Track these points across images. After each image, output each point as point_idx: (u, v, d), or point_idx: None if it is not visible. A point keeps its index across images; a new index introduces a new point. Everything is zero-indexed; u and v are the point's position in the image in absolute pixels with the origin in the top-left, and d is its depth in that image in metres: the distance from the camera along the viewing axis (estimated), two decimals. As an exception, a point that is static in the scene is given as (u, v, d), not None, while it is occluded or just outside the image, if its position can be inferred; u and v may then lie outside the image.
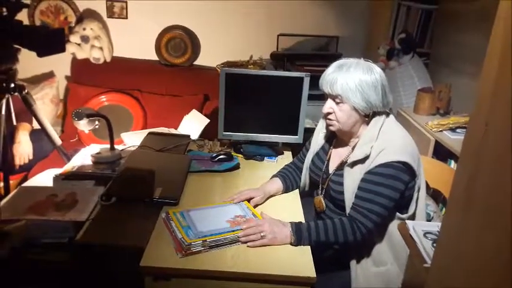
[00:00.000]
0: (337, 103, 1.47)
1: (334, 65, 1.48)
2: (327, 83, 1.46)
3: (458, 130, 2.34)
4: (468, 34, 2.67)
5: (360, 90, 1.41)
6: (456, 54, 2.81)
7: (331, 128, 1.54)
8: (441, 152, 2.33)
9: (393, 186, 1.39)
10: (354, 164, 1.47)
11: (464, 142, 0.72)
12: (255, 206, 1.58)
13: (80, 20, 3.19)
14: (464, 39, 2.71)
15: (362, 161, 1.44)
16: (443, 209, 2.03)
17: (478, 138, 0.65)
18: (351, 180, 1.47)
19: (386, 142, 1.42)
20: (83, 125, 1.93)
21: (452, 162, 2.25)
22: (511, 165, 0.61)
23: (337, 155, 1.62)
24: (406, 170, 1.39)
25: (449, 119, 2.40)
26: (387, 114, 1.50)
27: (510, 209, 0.62)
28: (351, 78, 1.41)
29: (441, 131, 2.35)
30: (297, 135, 2.06)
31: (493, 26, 0.64)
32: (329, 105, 1.50)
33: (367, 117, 1.48)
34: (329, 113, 1.50)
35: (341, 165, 1.56)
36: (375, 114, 1.48)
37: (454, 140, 2.24)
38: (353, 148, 1.53)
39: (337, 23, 3.37)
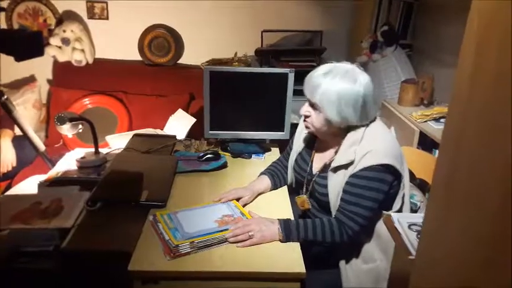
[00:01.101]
0: (314, 109, 1.47)
1: (322, 68, 1.45)
2: (308, 86, 1.45)
3: (442, 120, 2.35)
4: (449, 25, 2.69)
5: (337, 105, 1.39)
6: (438, 45, 2.83)
7: (307, 130, 1.55)
8: (426, 143, 2.35)
9: (378, 189, 1.39)
10: (338, 168, 1.46)
11: (443, 134, 0.72)
12: (244, 205, 1.57)
13: (59, 22, 3.14)
14: (446, 30, 2.74)
15: (346, 165, 1.44)
16: (430, 199, 2.05)
17: (456, 130, 0.65)
18: (335, 184, 1.47)
19: (370, 145, 1.41)
20: (66, 130, 1.91)
21: (437, 152, 2.27)
22: (489, 154, 0.62)
23: (320, 157, 1.62)
24: (390, 171, 1.40)
25: (433, 109, 2.42)
26: (371, 121, 1.48)
27: (490, 197, 0.62)
28: (332, 90, 1.39)
29: (425, 121, 2.37)
30: (283, 131, 2.06)
31: (468, 18, 0.64)
32: (307, 109, 1.49)
33: (340, 129, 1.47)
34: (306, 116, 1.50)
35: (324, 168, 1.55)
36: (350, 127, 1.46)
37: (438, 130, 2.25)
38: (336, 151, 1.52)
39: (321, 17, 3.37)
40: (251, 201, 1.61)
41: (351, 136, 1.46)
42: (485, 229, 0.62)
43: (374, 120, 1.50)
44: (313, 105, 1.47)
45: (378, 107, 1.50)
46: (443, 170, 0.72)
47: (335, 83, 1.39)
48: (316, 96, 1.42)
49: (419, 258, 0.77)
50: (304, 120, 1.53)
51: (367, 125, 1.47)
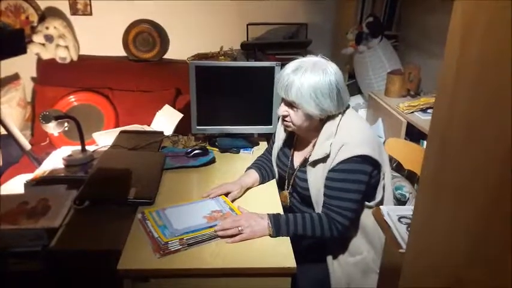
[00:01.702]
0: (292, 107, 1.46)
1: (290, 66, 1.45)
2: (282, 86, 1.43)
3: (429, 111, 2.37)
4: (434, 15, 2.71)
5: (314, 99, 1.39)
6: (423, 35, 2.85)
7: (288, 129, 1.56)
8: (413, 133, 2.37)
9: (359, 180, 1.40)
10: (316, 162, 1.47)
11: (430, 127, 0.72)
12: (233, 200, 1.57)
13: (42, 18, 3.08)
14: (431, 20, 2.75)
15: (323, 159, 1.45)
16: (418, 189, 2.07)
17: (443, 122, 0.66)
18: (315, 178, 1.48)
19: (345, 137, 1.42)
20: (52, 128, 1.88)
21: (425, 142, 2.29)
22: (476, 147, 0.62)
23: (300, 152, 1.63)
24: (368, 161, 1.40)
25: (420, 100, 2.43)
26: (345, 109, 1.49)
27: (477, 190, 0.63)
28: (306, 86, 1.39)
29: (412, 112, 2.38)
30: (271, 125, 2.05)
31: (452, 9, 0.64)
32: (284, 109, 1.49)
33: (321, 120, 1.48)
34: (285, 116, 1.50)
35: (304, 162, 1.56)
36: (330, 117, 1.47)
37: (425, 121, 2.27)
38: (314, 145, 1.52)
39: (306, 10, 3.36)
40: (240, 196, 1.61)
41: (326, 129, 1.47)
42: (472, 222, 0.63)
43: (348, 107, 1.51)
44: (290, 104, 1.46)
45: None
46: (431, 163, 0.72)
47: (307, 77, 1.39)
48: (291, 94, 1.41)
49: (409, 251, 0.78)
50: (284, 121, 1.52)
51: (343, 114, 1.48)
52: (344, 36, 3.04)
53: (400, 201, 1.91)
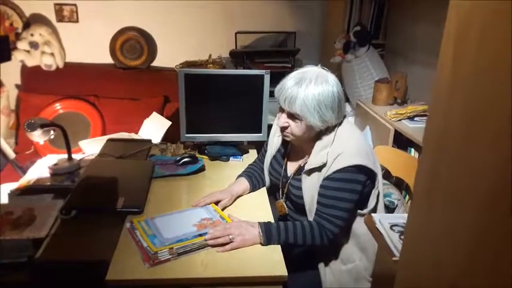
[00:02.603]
0: (294, 119, 1.45)
1: (292, 78, 1.43)
2: (285, 98, 1.42)
3: (416, 118, 2.40)
4: (420, 24, 2.75)
5: (318, 110, 1.39)
6: (410, 44, 2.89)
7: (287, 139, 1.54)
8: (401, 141, 2.39)
9: (352, 189, 1.40)
10: (311, 171, 1.47)
11: (425, 133, 0.72)
12: (223, 209, 1.56)
13: (27, 25, 3.04)
14: (417, 28, 2.79)
15: (319, 168, 1.45)
16: (407, 196, 2.08)
17: (438, 128, 0.66)
18: (309, 187, 1.48)
19: (341, 147, 1.42)
20: (37, 136, 1.85)
21: (412, 150, 2.31)
22: (472, 156, 0.62)
23: (294, 160, 1.63)
24: (363, 171, 1.41)
25: (407, 108, 2.45)
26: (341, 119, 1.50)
27: (472, 198, 0.63)
28: (310, 98, 1.38)
29: (400, 120, 2.40)
30: (261, 132, 2.05)
31: (447, 15, 0.65)
32: (285, 120, 1.47)
33: (321, 131, 1.48)
34: (285, 127, 1.49)
35: (299, 170, 1.56)
36: (328, 128, 1.47)
37: (413, 128, 2.29)
38: (309, 154, 1.52)
39: (294, 19, 3.39)
40: (230, 204, 1.60)
41: (324, 138, 1.47)
42: (468, 230, 0.63)
43: (344, 117, 1.52)
44: (291, 116, 1.45)
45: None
46: (426, 171, 0.72)
47: (311, 89, 1.39)
48: (295, 107, 1.40)
49: (404, 259, 0.77)
50: (283, 131, 1.51)
51: (339, 124, 1.48)
52: (332, 45, 3.06)
53: (389, 208, 1.91)
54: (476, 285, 0.61)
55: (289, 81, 1.43)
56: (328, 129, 1.47)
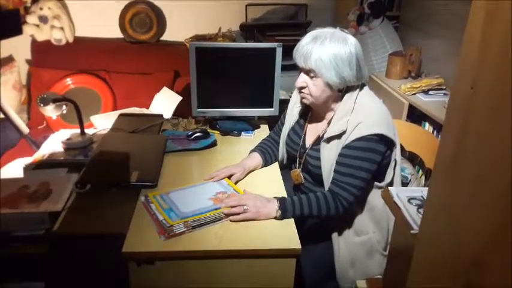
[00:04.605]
0: (311, 77, 1.44)
1: (308, 36, 1.43)
2: (300, 55, 1.42)
3: (431, 92, 2.36)
4: (436, -5, 2.67)
5: (334, 66, 1.38)
6: (424, 16, 2.81)
7: (305, 101, 1.52)
8: (415, 115, 2.36)
9: (371, 159, 1.39)
10: (331, 139, 1.46)
11: (448, 108, 0.70)
12: (236, 182, 1.56)
13: (35, -1, 3.01)
14: (432, 1, 2.71)
15: (338, 136, 1.44)
16: (420, 171, 2.07)
17: (464, 103, 0.64)
18: (328, 155, 1.46)
19: (361, 115, 1.41)
20: (50, 111, 1.85)
21: (427, 124, 2.29)
22: (498, 132, 0.60)
23: (313, 130, 1.61)
24: (383, 141, 1.40)
25: (422, 81, 2.41)
26: (361, 86, 1.48)
27: (498, 175, 0.61)
28: (325, 53, 1.37)
29: (414, 94, 2.37)
30: (272, 107, 2.03)
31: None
32: (302, 79, 1.46)
33: (340, 91, 1.46)
34: (302, 87, 1.47)
35: (317, 140, 1.55)
36: (349, 88, 1.46)
37: (427, 102, 2.26)
38: (328, 123, 1.51)
39: (306, -10, 3.31)
40: (243, 178, 1.60)
41: (343, 106, 1.46)
42: (492, 207, 0.62)
43: (364, 85, 1.50)
44: (308, 73, 1.44)
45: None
46: (449, 148, 0.69)
47: (326, 45, 1.38)
48: (311, 62, 1.39)
49: (424, 233, 0.76)
50: (301, 92, 1.50)
51: (360, 90, 1.47)
52: (345, 17, 3.00)
53: (402, 182, 1.90)
54: (501, 259, 0.60)
55: (305, 39, 1.42)
56: (349, 95, 1.46)
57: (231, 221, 1.32)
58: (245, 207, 1.33)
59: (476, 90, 0.60)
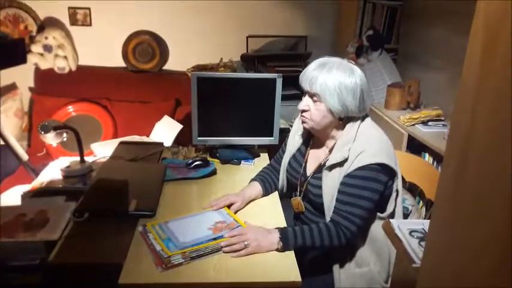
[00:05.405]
0: (314, 101, 1.46)
1: (316, 62, 1.47)
2: (306, 79, 1.45)
3: (430, 123, 2.37)
4: (433, 28, 2.72)
5: (338, 93, 1.40)
6: (423, 48, 2.86)
7: (305, 125, 1.54)
8: (414, 146, 2.36)
9: (373, 188, 1.39)
10: (332, 167, 1.46)
11: (450, 135, 0.70)
12: (236, 212, 1.55)
13: (41, 28, 3.07)
14: (430, 33, 2.76)
15: (340, 164, 1.44)
16: (421, 202, 2.05)
17: (464, 130, 0.64)
18: (330, 184, 1.46)
19: (364, 144, 1.41)
20: (50, 138, 1.85)
21: (426, 155, 2.28)
22: (499, 162, 0.60)
23: (314, 158, 1.61)
24: (385, 171, 1.40)
25: (421, 112, 2.43)
26: (364, 117, 1.50)
27: (499, 207, 0.61)
28: (331, 80, 1.40)
29: (413, 124, 2.38)
30: (272, 136, 2.04)
31: (473, 20, 0.63)
32: (305, 103, 1.49)
33: (341, 120, 1.47)
34: (304, 110, 1.49)
35: (319, 168, 1.54)
36: (350, 118, 1.47)
37: (427, 133, 2.27)
38: (330, 151, 1.52)
39: (306, 22, 3.38)
40: (242, 208, 1.59)
41: (345, 134, 1.47)
42: (495, 229, 0.61)
43: (367, 116, 1.51)
44: (312, 97, 1.46)
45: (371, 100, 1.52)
46: (451, 173, 0.69)
47: (333, 73, 1.41)
48: (316, 86, 1.42)
49: (426, 265, 0.75)
50: (302, 115, 1.52)
51: (362, 120, 1.48)
52: (344, 49, 3.05)
53: (404, 214, 1.89)
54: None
55: (312, 65, 1.46)
56: (351, 124, 1.47)
57: (232, 257, 1.30)
58: (246, 242, 1.31)
59: (475, 119, 0.61)
